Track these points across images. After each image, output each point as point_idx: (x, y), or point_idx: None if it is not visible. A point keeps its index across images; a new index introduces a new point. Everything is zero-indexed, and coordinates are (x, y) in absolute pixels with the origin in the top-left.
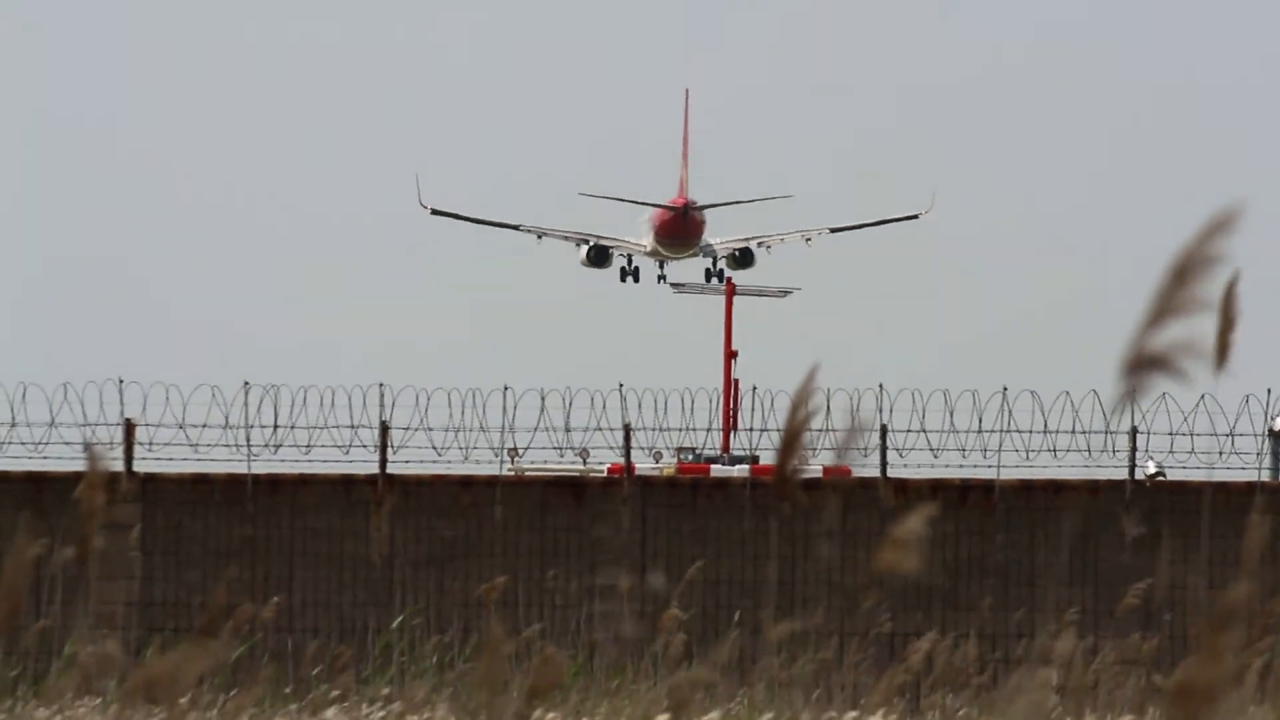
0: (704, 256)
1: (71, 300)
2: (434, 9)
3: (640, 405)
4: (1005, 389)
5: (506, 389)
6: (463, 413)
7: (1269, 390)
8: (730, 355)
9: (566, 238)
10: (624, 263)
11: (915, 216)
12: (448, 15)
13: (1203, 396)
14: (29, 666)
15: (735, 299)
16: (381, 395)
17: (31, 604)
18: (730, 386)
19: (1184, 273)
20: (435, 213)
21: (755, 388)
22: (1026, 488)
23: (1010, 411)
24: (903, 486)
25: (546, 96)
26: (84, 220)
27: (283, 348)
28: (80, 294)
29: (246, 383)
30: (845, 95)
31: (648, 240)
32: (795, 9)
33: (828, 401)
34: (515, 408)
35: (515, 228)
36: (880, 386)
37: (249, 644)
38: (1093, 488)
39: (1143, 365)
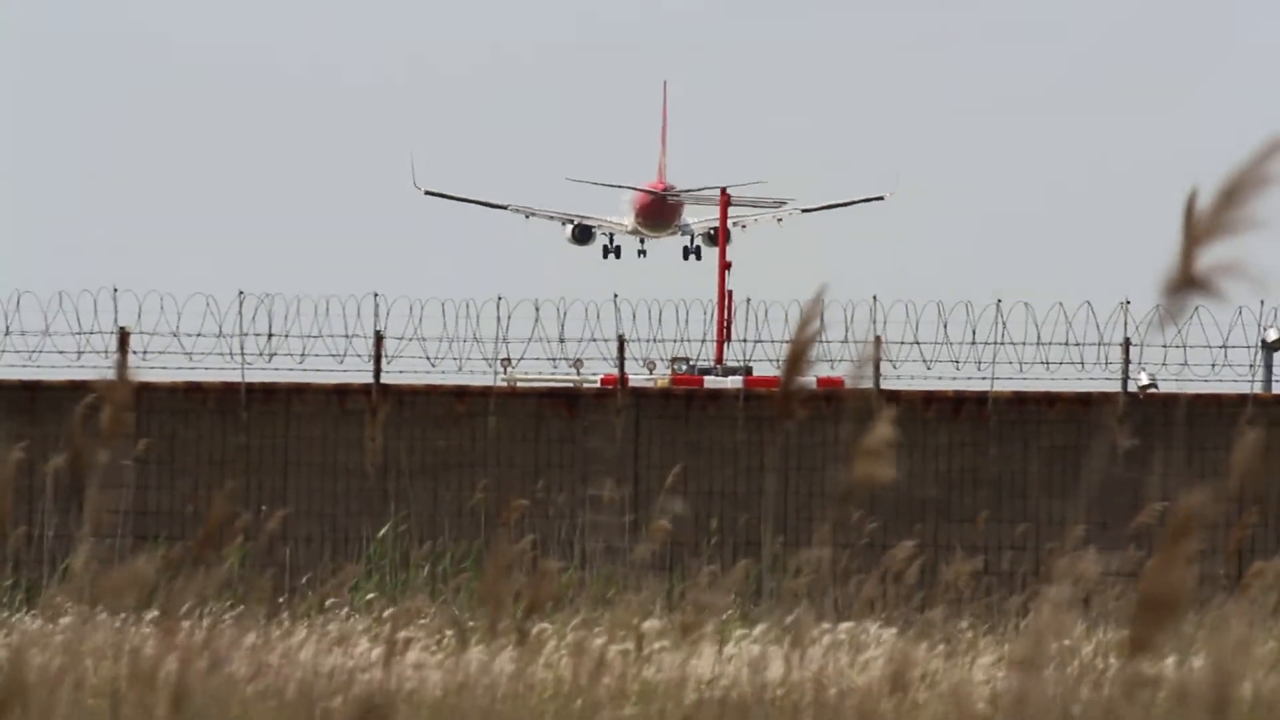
0: (682, 235)
1: (67, 208)
2: (433, 3)
3: (634, 316)
4: (999, 301)
5: (500, 299)
6: (457, 323)
7: (1261, 302)
8: (724, 266)
9: (552, 218)
10: (606, 241)
11: (881, 198)
12: (447, 9)
13: (1196, 308)
14: (23, 576)
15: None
16: (376, 305)
17: (23, 513)
18: (724, 298)
19: (1233, 193)
20: (429, 194)
21: (749, 300)
22: (1020, 399)
23: (1004, 323)
24: (896, 398)
25: (536, 88)
26: (83, 127)
27: (278, 257)
28: (76, 202)
29: (241, 291)
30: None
31: (629, 220)
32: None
33: (822, 313)
34: (509, 318)
35: (504, 208)
36: (874, 298)
37: (241, 553)
38: (1085, 400)
39: (1183, 286)
